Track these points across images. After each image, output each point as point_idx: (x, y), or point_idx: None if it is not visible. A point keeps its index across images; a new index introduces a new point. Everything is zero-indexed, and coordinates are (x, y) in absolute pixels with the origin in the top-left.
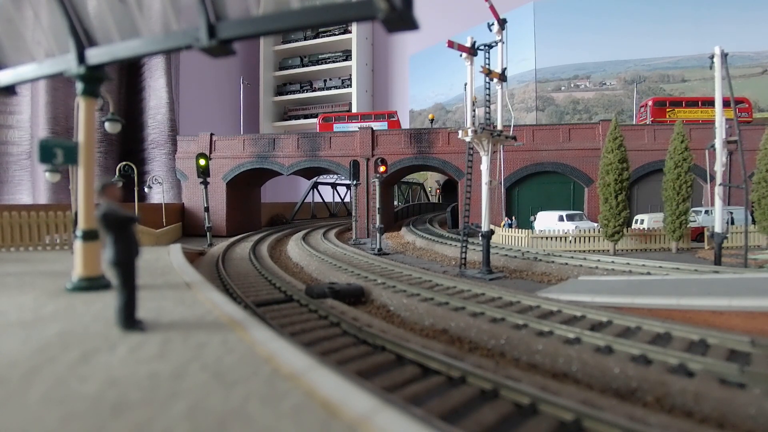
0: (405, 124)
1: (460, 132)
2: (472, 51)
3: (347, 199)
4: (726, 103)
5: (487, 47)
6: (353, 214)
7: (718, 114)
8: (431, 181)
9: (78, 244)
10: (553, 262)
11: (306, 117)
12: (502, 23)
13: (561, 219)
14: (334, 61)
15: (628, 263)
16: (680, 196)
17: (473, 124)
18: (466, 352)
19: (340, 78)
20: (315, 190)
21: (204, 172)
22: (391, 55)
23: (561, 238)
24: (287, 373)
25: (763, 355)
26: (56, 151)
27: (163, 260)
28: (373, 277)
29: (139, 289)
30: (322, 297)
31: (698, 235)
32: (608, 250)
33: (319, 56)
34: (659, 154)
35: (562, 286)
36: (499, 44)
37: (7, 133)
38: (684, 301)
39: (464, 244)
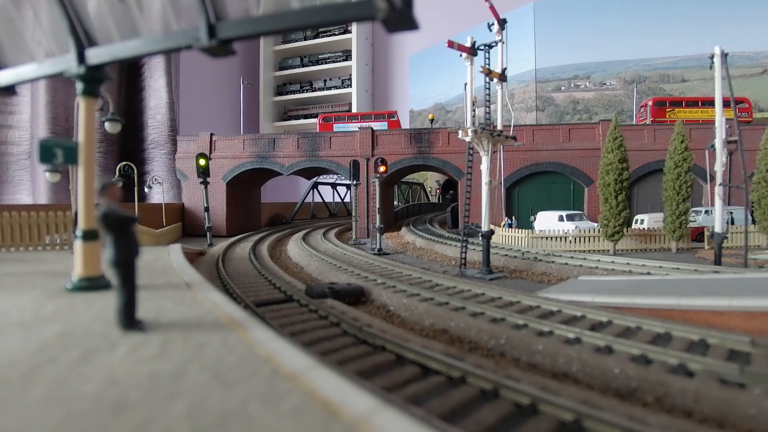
0: (405, 124)
1: (460, 132)
2: (472, 51)
3: (347, 199)
4: (726, 103)
5: (487, 47)
6: (353, 214)
7: (718, 114)
8: (431, 181)
9: (78, 244)
10: (553, 262)
11: (306, 117)
12: (502, 23)
13: (561, 219)
14: (334, 61)
15: (628, 263)
16: (680, 196)
17: (473, 124)
18: (466, 352)
19: (340, 78)
20: (315, 190)
21: (204, 172)
22: (391, 55)
23: (561, 238)
24: (287, 373)
25: (763, 355)
26: (56, 151)
27: (163, 260)
28: (373, 277)
29: (139, 289)
30: (322, 297)
31: (698, 235)
32: (608, 250)
33: (319, 56)
34: (659, 154)
35: (562, 286)
36: (499, 44)
37: (7, 133)
38: (684, 301)
39: (464, 244)
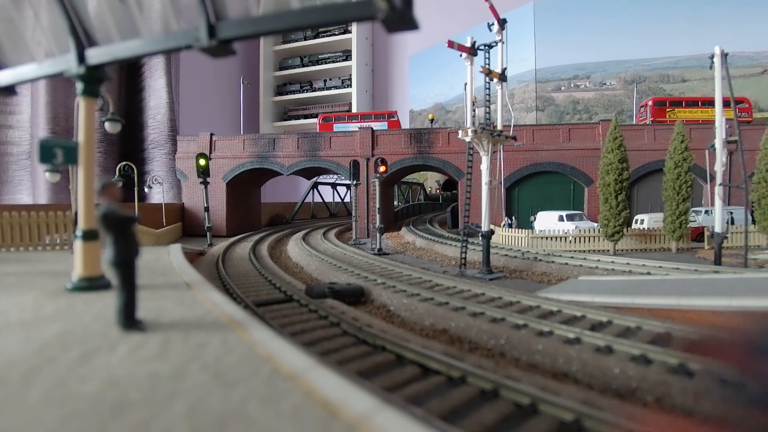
0: (405, 124)
1: (460, 132)
2: (472, 51)
3: (347, 199)
4: (726, 103)
5: (487, 47)
6: (353, 214)
7: (718, 114)
8: (431, 181)
9: (78, 244)
10: (553, 262)
11: (306, 117)
12: (502, 23)
13: (561, 219)
14: (334, 61)
15: (628, 263)
16: (680, 196)
17: (473, 124)
18: (466, 352)
19: (340, 78)
20: (315, 190)
21: (204, 172)
22: (391, 55)
23: (561, 238)
24: (287, 373)
25: None
26: (56, 151)
27: (163, 260)
28: (373, 277)
29: (139, 289)
30: (322, 297)
31: (698, 235)
32: (608, 250)
33: (319, 56)
34: (659, 154)
35: (562, 286)
36: (499, 44)
37: (7, 133)
38: (684, 301)
39: (464, 244)
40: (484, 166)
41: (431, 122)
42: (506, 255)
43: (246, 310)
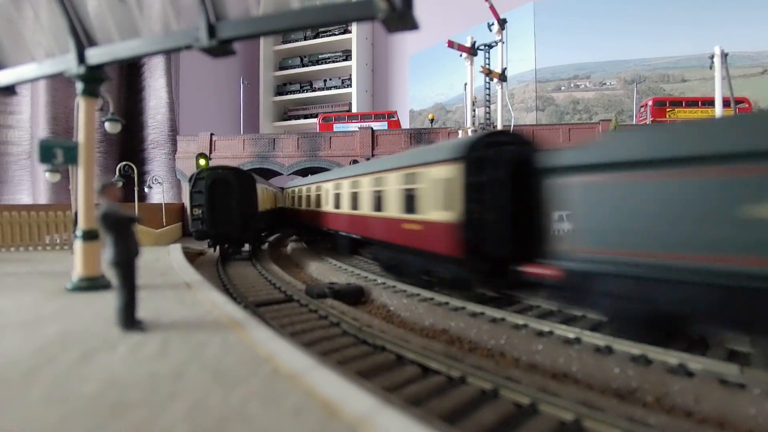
0: (405, 124)
1: (460, 132)
2: (472, 51)
3: None
4: (726, 103)
5: (487, 47)
6: None
7: (718, 114)
8: None
9: (78, 244)
10: None
11: (306, 117)
12: (502, 23)
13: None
14: (334, 61)
15: None
16: None
17: (473, 123)
18: (466, 352)
19: (340, 78)
20: None
21: None
22: (391, 55)
23: None
24: (287, 373)
25: (763, 355)
26: (56, 151)
27: (163, 260)
28: (373, 277)
29: (139, 289)
30: (322, 297)
31: None
32: None
33: (319, 56)
34: None
35: None
36: (499, 44)
37: (7, 133)
38: None
39: None
40: None
41: (431, 122)
42: None
43: (246, 310)
